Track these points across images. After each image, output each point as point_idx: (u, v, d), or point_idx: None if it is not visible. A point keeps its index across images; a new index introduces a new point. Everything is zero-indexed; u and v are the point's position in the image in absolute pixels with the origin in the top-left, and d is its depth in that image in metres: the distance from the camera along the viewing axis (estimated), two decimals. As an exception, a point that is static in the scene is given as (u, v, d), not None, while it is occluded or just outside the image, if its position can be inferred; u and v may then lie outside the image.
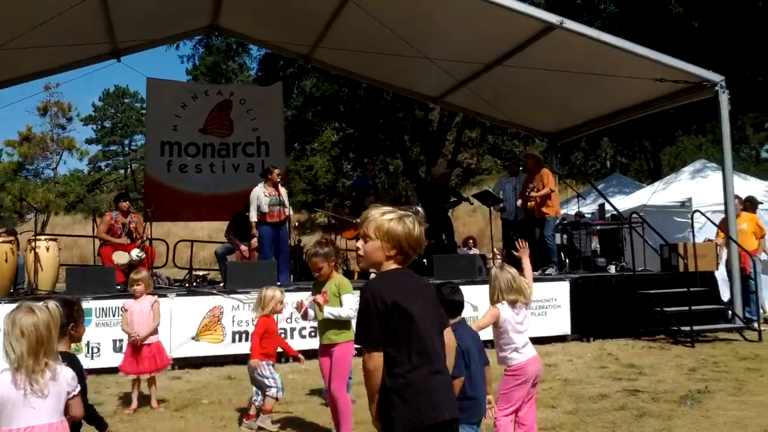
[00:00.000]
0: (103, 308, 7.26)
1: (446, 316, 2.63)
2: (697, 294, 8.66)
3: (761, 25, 14.18)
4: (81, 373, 2.86)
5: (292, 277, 9.46)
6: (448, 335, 2.50)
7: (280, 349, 5.29)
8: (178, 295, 7.66)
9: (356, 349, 3.87)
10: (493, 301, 3.82)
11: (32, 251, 8.33)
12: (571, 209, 12.33)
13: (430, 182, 14.75)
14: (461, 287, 3.68)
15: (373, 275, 4.01)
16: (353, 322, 4.30)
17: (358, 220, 2.54)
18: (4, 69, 10.47)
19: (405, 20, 9.36)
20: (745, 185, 11.48)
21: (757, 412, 4.95)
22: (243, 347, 7.44)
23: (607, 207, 11.14)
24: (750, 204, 9.89)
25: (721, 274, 9.43)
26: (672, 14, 14.07)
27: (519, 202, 10.05)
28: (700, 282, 8.95)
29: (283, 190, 9.18)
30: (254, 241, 9.04)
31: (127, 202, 9.48)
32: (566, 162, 21.79)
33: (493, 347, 3.84)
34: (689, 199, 11.31)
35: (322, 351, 4.43)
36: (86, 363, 6.68)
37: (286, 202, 9.18)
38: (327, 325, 4.35)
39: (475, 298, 7.21)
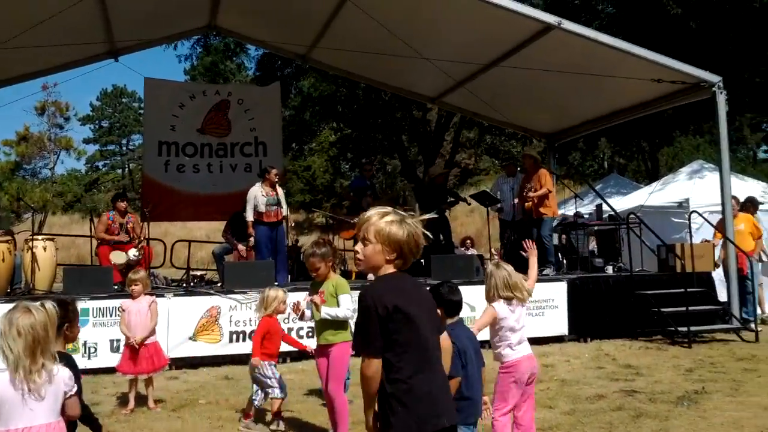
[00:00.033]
0: (100, 308, 7.26)
1: (442, 318, 2.62)
2: (694, 294, 8.66)
3: (759, 26, 14.22)
4: (77, 373, 2.86)
5: (289, 277, 9.46)
6: (444, 337, 2.49)
7: (283, 349, 5.26)
8: (175, 295, 7.65)
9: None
10: (489, 298, 3.83)
11: (29, 251, 8.32)
12: (569, 210, 12.34)
13: (427, 182, 14.76)
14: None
15: (371, 278, 4.00)
16: (351, 323, 4.31)
17: (356, 221, 2.49)
18: (1, 68, 10.45)
19: (403, 20, 9.37)
20: (743, 186, 11.51)
21: (754, 413, 4.95)
22: (240, 347, 7.46)
23: (605, 207, 11.14)
24: (751, 205, 9.90)
25: (718, 275, 9.46)
26: (670, 15, 14.11)
27: (516, 200, 10.06)
28: (698, 282, 8.97)
29: (280, 190, 9.20)
30: (251, 240, 9.04)
31: (125, 202, 9.48)
32: (564, 162, 21.80)
33: (490, 348, 3.85)
34: (686, 200, 11.34)
35: (320, 351, 4.43)
36: (83, 363, 6.71)
37: (283, 202, 9.19)
38: (324, 325, 4.34)
39: (472, 298, 7.21)
